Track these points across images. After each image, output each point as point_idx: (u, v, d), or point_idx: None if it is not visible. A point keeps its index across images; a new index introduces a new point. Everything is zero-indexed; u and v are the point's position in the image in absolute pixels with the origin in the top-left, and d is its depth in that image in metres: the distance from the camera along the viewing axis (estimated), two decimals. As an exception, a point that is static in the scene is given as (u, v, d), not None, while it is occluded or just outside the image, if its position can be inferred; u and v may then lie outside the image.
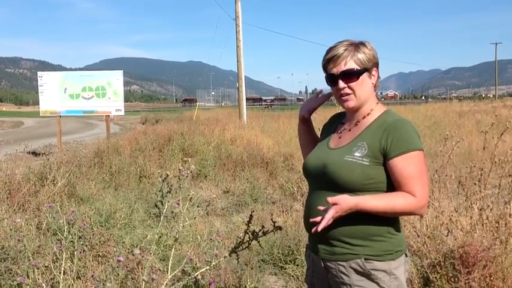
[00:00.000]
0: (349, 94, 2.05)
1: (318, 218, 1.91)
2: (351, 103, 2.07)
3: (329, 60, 2.05)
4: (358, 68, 2.02)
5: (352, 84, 2.03)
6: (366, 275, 1.95)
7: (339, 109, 2.31)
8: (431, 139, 13.76)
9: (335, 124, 2.27)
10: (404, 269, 2.04)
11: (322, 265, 2.07)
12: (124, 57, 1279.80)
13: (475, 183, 3.89)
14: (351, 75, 2.02)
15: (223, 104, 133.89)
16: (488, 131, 4.12)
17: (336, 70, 2.03)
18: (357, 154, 1.97)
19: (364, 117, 2.09)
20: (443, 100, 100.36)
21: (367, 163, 1.95)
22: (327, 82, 2.12)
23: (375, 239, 1.97)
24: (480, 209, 3.79)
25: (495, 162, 3.98)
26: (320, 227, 1.89)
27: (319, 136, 2.37)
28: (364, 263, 1.95)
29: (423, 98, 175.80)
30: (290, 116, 22.83)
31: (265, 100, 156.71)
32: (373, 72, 2.08)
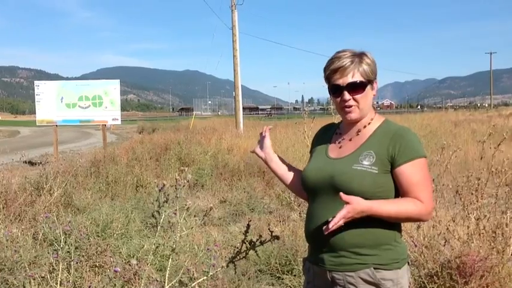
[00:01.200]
0: (352, 106, 2.04)
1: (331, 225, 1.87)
2: (354, 115, 2.06)
3: (335, 71, 2.03)
4: (364, 80, 2.02)
5: (358, 97, 2.03)
6: (376, 284, 1.94)
7: (337, 118, 2.31)
8: (427, 148, 13.78)
9: (328, 134, 2.25)
10: (407, 277, 2.04)
11: (329, 277, 2.03)
12: (121, 66, 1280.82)
13: (472, 193, 3.90)
14: (357, 87, 2.02)
15: (219, 113, 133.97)
16: (485, 140, 4.14)
17: (342, 81, 2.02)
18: (365, 163, 1.97)
19: (365, 126, 2.09)
20: (439, 109, 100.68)
21: (376, 171, 1.96)
22: (330, 93, 2.10)
23: (382, 247, 1.97)
24: (477, 219, 3.79)
25: (492, 172, 3.99)
26: (331, 225, 1.86)
27: (311, 146, 2.34)
28: (374, 273, 1.94)
29: (419, 107, 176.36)
30: (287, 125, 22.84)
31: (264, 109, 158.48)
32: (374, 84, 2.09)
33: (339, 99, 2.05)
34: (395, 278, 1.96)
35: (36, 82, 16.11)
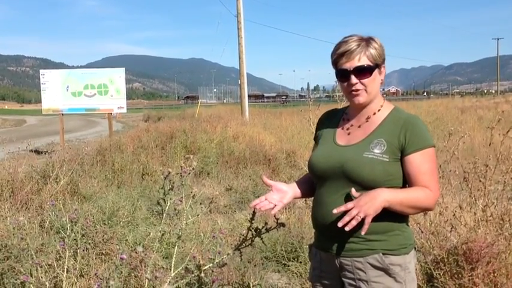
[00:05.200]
0: (359, 90, 2.02)
1: (346, 218, 1.85)
2: (361, 99, 2.03)
3: (341, 55, 2.01)
4: (371, 64, 2.00)
5: (365, 81, 2.00)
6: (384, 269, 1.95)
7: (342, 105, 2.28)
8: (434, 135, 13.74)
9: (334, 120, 2.22)
10: (414, 262, 2.06)
11: (337, 263, 2.04)
12: (126, 55, 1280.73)
13: (479, 180, 3.87)
14: (364, 71, 2.00)
15: (225, 101, 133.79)
16: (494, 126, 4.10)
17: (349, 65, 1.99)
18: (376, 151, 1.96)
19: (374, 113, 2.07)
20: (445, 96, 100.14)
21: (387, 160, 1.95)
22: (337, 77, 2.08)
23: (391, 233, 1.98)
24: (484, 206, 3.77)
25: (499, 158, 3.97)
26: (352, 228, 1.85)
27: (315, 132, 2.31)
28: (383, 258, 1.95)
29: (425, 93, 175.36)
30: (292, 112, 22.80)
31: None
32: (382, 68, 2.06)
33: (346, 83, 2.03)
34: (403, 262, 1.97)
35: (41, 71, 16.11)
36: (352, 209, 1.84)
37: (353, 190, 1.90)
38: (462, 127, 10.61)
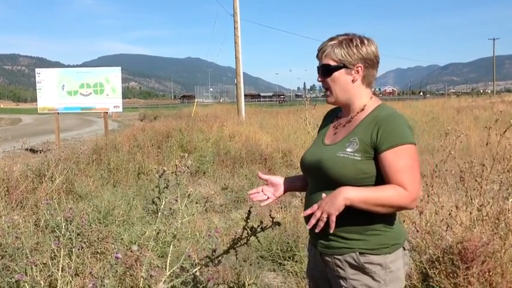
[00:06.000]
0: (326, 89, 2.09)
1: (317, 214, 1.92)
2: (329, 99, 2.11)
3: (317, 53, 2.10)
4: (334, 64, 2.03)
5: (328, 79, 2.06)
6: (361, 268, 1.96)
7: None
8: (430, 135, 13.77)
9: (331, 118, 2.27)
10: (404, 262, 2.04)
11: (321, 259, 2.10)
12: (122, 54, 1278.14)
13: (476, 180, 3.88)
14: (326, 71, 2.06)
15: (221, 100, 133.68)
16: (492, 126, 4.11)
17: (318, 64, 2.10)
18: (348, 150, 1.98)
19: (357, 112, 2.08)
20: (441, 96, 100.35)
21: (359, 158, 1.95)
22: None
23: (369, 233, 1.97)
24: (480, 205, 3.78)
25: (495, 158, 3.97)
26: (318, 229, 1.93)
27: (318, 129, 2.36)
28: (359, 257, 1.96)
29: (421, 93, 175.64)
30: (288, 112, 22.80)
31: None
32: (357, 69, 2.03)
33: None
34: (384, 262, 1.96)
35: (37, 70, 16.05)
36: (317, 210, 1.90)
37: (323, 195, 1.93)
38: (458, 127, 10.64)
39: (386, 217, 1.98)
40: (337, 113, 2.24)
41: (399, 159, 1.90)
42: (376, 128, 1.95)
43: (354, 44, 2.02)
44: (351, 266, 1.98)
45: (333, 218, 1.87)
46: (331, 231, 1.90)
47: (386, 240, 1.98)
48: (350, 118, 2.09)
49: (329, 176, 1.98)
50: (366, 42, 2.04)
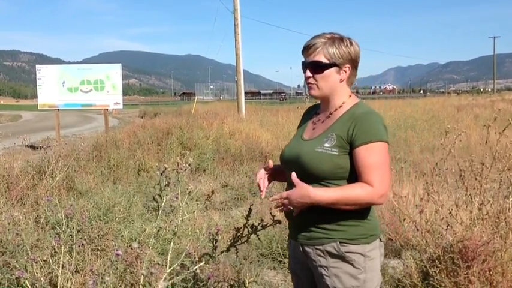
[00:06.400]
0: (311, 84, 2.16)
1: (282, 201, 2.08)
2: (313, 92, 2.18)
3: (304, 48, 2.16)
4: (326, 61, 2.10)
5: (317, 76, 2.14)
6: (341, 257, 2.06)
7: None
8: (430, 133, 13.75)
9: (310, 115, 2.37)
10: (380, 252, 2.16)
11: (301, 250, 2.18)
12: (122, 51, 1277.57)
13: (476, 179, 3.88)
14: (316, 67, 2.12)
15: (221, 97, 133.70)
16: (491, 125, 4.10)
17: (306, 59, 2.16)
18: (326, 145, 2.07)
19: (336, 109, 2.17)
20: (442, 94, 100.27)
21: (336, 153, 2.05)
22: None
23: (348, 224, 2.06)
24: (480, 204, 3.77)
25: (495, 157, 3.97)
26: (279, 205, 2.09)
27: (298, 125, 2.45)
28: (339, 246, 2.06)
29: (421, 91, 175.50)
30: (288, 110, 22.78)
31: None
32: (345, 69, 2.14)
33: (304, 75, 2.18)
34: (363, 251, 2.07)
35: (37, 66, 16.03)
36: (284, 199, 2.04)
37: (293, 174, 2.04)
38: (458, 125, 10.64)
39: (363, 210, 2.08)
40: (317, 110, 2.33)
41: (370, 156, 2.00)
42: (353, 125, 2.04)
43: (345, 44, 2.12)
44: (331, 255, 2.07)
45: (297, 211, 2.05)
46: (294, 215, 2.07)
47: (364, 231, 2.09)
48: (329, 114, 2.19)
49: (307, 170, 2.07)
50: (353, 43, 2.15)
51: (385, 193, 2.00)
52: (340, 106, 2.16)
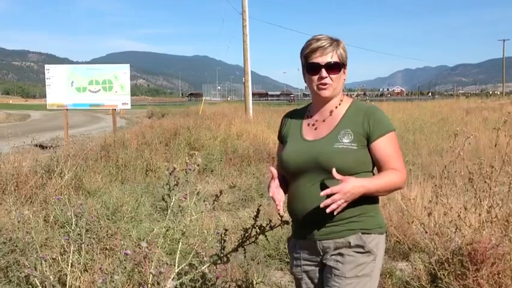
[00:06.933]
0: (327, 84, 2.19)
1: (329, 202, 2.00)
2: (327, 92, 2.21)
3: (314, 50, 2.17)
4: (340, 62, 2.19)
5: (334, 76, 2.19)
6: (362, 246, 2.15)
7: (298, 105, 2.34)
8: (438, 136, 13.69)
9: (297, 118, 2.38)
10: (384, 245, 2.29)
11: (319, 247, 2.21)
12: (130, 51, 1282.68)
13: (485, 181, 3.86)
14: (334, 68, 2.18)
15: (229, 98, 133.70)
16: (500, 128, 4.09)
17: (321, 60, 2.16)
18: (345, 140, 2.15)
19: (336, 107, 2.25)
20: (450, 97, 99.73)
21: (356, 147, 2.14)
22: (307, 70, 2.22)
23: (367, 215, 2.18)
24: (489, 207, 3.76)
25: (505, 160, 3.95)
26: (332, 210, 2.01)
27: (279, 132, 2.46)
28: (362, 237, 2.15)
29: (430, 94, 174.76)
30: (296, 111, 22.70)
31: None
32: (345, 69, 2.26)
33: (316, 77, 2.19)
34: (378, 241, 2.20)
35: (46, 66, 16.09)
36: (336, 194, 1.99)
37: (334, 170, 2.02)
38: (467, 128, 10.60)
39: (376, 202, 2.24)
40: (301, 114, 2.38)
41: (389, 145, 2.16)
42: (366, 119, 2.17)
43: (343, 45, 2.23)
44: (352, 246, 2.15)
45: (345, 205, 2.03)
46: (336, 214, 2.05)
47: (379, 222, 2.23)
48: (330, 112, 2.25)
49: (328, 168, 2.08)
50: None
51: (406, 177, 2.19)
52: (340, 104, 2.26)
